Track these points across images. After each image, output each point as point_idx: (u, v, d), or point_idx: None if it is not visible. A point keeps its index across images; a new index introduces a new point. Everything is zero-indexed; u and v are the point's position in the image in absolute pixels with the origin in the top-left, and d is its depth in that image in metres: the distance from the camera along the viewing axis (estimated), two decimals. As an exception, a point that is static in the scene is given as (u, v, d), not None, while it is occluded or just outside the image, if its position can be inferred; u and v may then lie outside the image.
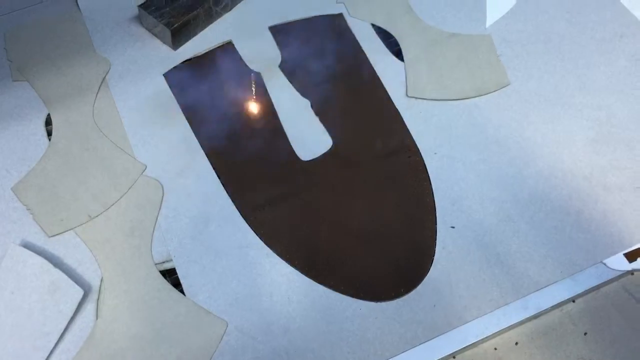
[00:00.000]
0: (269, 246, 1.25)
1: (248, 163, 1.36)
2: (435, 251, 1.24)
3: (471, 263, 1.23)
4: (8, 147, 1.37)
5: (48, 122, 1.41)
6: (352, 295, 1.20)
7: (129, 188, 1.31)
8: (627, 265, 1.23)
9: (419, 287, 1.21)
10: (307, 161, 1.36)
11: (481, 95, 1.45)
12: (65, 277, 1.16)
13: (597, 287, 1.22)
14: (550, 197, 1.31)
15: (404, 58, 1.52)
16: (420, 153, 1.37)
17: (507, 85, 1.47)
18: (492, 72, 1.49)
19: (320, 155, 1.37)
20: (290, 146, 1.38)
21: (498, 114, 1.43)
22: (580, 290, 1.21)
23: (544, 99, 1.45)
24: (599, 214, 1.29)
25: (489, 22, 1.59)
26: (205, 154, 1.37)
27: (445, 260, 1.23)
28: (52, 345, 1.12)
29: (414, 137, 1.40)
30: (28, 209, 1.28)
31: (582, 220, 1.28)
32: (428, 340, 1.15)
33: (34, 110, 1.42)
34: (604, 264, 1.23)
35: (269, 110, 1.44)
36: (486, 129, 1.40)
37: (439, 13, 1.61)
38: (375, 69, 1.50)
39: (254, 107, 1.44)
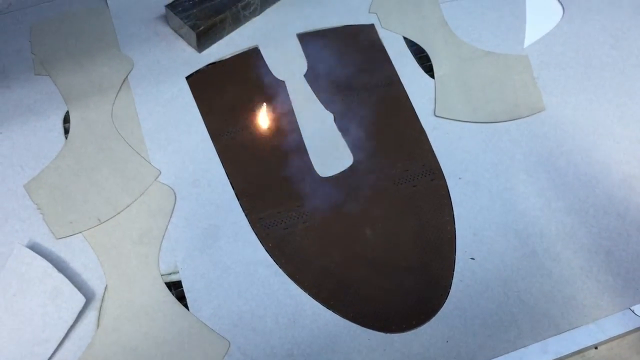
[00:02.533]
0: (278, 265, 1.21)
1: (264, 175, 1.31)
2: (452, 283, 1.18)
3: (489, 299, 1.17)
4: (24, 142, 1.35)
5: (66, 120, 1.38)
6: (361, 324, 1.14)
7: (142, 193, 1.28)
8: (657, 315, 1.15)
9: (432, 320, 1.15)
10: (326, 178, 1.31)
11: (513, 119, 1.38)
12: (68, 282, 1.14)
13: (622, 335, 1.15)
14: (579, 234, 1.24)
15: (435, 75, 1.46)
16: (444, 177, 1.31)
17: (541, 111, 1.40)
18: (527, 95, 1.42)
19: (339, 173, 1.32)
20: (310, 161, 1.33)
21: (529, 140, 1.35)
22: (604, 337, 1.13)
23: (579, 127, 1.37)
24: (630, 256, 1.21)
25: (528, 42, 1.51)
26: (222, 163, 1.33)
27: (462, 294, 1.17)
28: (50, 352, 1.09)
29: (439, 159, 1.33)
30: (38, 209, 1.26)
31: (611, 262, 1.20)
32: (437, 379, 1.10)
33: (53, 106, 1.40)
34: (632, 311, 1.16)
35: (291, 121, 1.39)
36: (515, 156, 1.33)
37: (475, 29, 1.54)
38: (403, 84, 1.44)
39: (275, 117, 1.40)
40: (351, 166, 1.33)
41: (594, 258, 1.21)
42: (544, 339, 1.13)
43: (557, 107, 1.40)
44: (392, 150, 1.35)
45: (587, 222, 1.25)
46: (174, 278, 1.19)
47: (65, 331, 1.11)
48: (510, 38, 1.52)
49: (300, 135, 1.37)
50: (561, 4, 1.56)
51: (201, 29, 1.44)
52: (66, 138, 1.36)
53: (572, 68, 1.47)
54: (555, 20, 1.55)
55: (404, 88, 1.44)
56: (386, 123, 1.39)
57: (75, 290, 1.13)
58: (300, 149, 1.35)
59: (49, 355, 1.09)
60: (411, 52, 1.50)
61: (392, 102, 1.42)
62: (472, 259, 1.21)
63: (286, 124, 1.39)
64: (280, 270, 1.20)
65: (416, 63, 1.48)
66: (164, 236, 1.23)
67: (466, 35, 1.53)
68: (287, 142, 1.36)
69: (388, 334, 1.13)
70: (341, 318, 1.15)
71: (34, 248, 1.20)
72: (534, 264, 1.20)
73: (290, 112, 1.40)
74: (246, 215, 1.26)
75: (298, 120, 1.39)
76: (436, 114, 1.39)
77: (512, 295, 1.17)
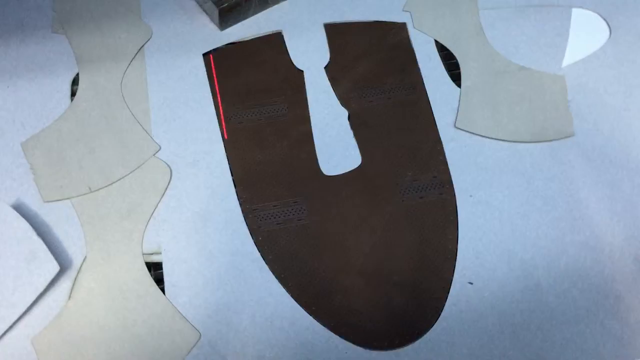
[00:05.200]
0: (265, 261, 1.15)
1: (266, 166, 1.26)
2: (445, 306, 1.11)
3: (481, 329, 1.09)
4: (29, 99, 1.32)
5: (75, 82, 1.35)
6: (341, 335, 1.08)
7: (138, 167, 1.24)
8: (662, 372, 1.06)
9: (417, 342, 1.07)
10: (329, 176, 1.25)
11: (538, 141, 1.29)
12: (45, 248, 1.10)
13: (621, 389, 1.06)
14: (590, 273, 1.14)
15: (462, 84, 1.37)
16: (454, 192, 1.23)
17: (570, 136, 1.30)
18: (557, 118, 1.32)
19: (344, 173, 1.25)
20: (315, 156, 1.27)
21: (552, 166, 1.26)
22: (600, 389, 1.05)
23: (609, 159, 1.27)
24: (642, 305, 1.12)
25: (567, 61, 1.41)
26: (225, 147, 1.27)
27: (454, 319, 1.10)
28: (16, 317, 1.06)
29: (452, 173, 1.25)
30: (31, 169, 1.23)
31: (620, 308, 1.11)
32: (412, 406, 1.03)
33: (64, 67, 1.37)
34: (636, 365, 1.07)
35: (303, 114, 1.33)
36: (534, 181, 1.24)
37: (512, 42, 1.44)
38: (427, 89, 1.36)
39: (287, 107, 1.33)
40: (358, 168, 1.26)
41: (602, 301, 1.12)
42: (534, 381, 1.05)
43: (587, 135, 1.31)
44: (404, 157, 1.27)
45: (601, 261, 1.16)
46: (155, 259, 1.15)
47: (35, 297, 1.07)
48: (549, 55, 1.42)
49: (310, 129, 1.31)
50: (608, 26, 1.46)
51: (225, 5, 1.39)
52: (72, 101, 1.32)
53: (611, 95, 1.36)
54: (600, 43, 1.44)
55: (426, 94, 1.36)
56: (402, 128, 1.32)
57: (51, 257, 1.09)
58: (308, 143, 1.29)
59: (14, 320, 1.06)
60: (440, 57, 1.42)
61: (412, 106, 1.34)
62: (470, 283, 1.13)
63: (298, 116, 1.33)
64: (265, 267, 1.14)
65: (444, 69, 1.40)
66: (152, 214, 1.19)
67: (502, 46, 1.43)
68: (296, 134, 1.30)
69: (367, 350, 1.07)
70: (321, 326, 1.09)
71: (20, 208, 1.17)
72: (535, 298, 1.12)
73: (304, 104, 1.34)
74: (240, 205, 1.21)
75: (310, 113, 1.33)
76: (456, 125, 1.31)
77: (506, 328, 1.09)
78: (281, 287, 1.12)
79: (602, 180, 1.25)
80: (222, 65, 1.39)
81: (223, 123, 1.30)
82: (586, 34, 1.46)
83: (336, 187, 1.24)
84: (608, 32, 1.46)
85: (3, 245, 1.11)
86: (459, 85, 1.38)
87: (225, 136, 1.29)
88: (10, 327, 1.06)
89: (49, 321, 1.07)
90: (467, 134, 1.31)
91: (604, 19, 1.47)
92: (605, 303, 1.11)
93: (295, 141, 1.29)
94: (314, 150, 1.28)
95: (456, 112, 1.33)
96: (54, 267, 1.09)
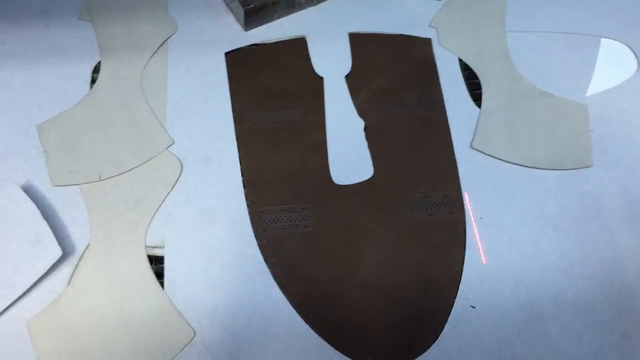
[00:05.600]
0: (267, 264, 1.14)
1: (277, 169, 1.25)
2: (444, 328, 1.09)
3: (480, 355, 1.06)
4: (49, 83, 1.33)
5: (96, 70, 1.35)
6: (336, 347, 1.06)
7: (149, 159, 1.24)
8: (663, 417, 1.03)
9: (413, 362, 1.06)
10: (340, 186, 1.23)
11: (555, 169, 1.27)
12: (50, 233, 1.10)
13: None
14: (597, 308, 1.12)
15: (482, 105, 1.35)
16: (464, 213, 1.21)
17: (588, 167, 1.28)
18: (576, 147, 1.30)
19: (355, 184, 1.24)
20: (327, 164, 1.26)
21: (567, 195, 1.24)
22: None
23: (626, 193, 1.24)
24: (648, 345, 1.09)
25: (591, 91, 1.39)
26: (238, 147, 1.27)
27: (452, 342, 1.07)
28: (15, 298, 1.06)
29: (464, 194, 1.23)
30: (44, 152, 1.23)
31: (625, 347, 1.08)
32: None
33: (87, 54, 1.38)
34: (636, 406, 1.03)
35: (318, 121, 1.32)
36: (547, 208, 1.22)
37: (537, 66, 1.42)
38: (446, 107, 1.35)
39: (303, 113, 1.32)
40: (369, 179, 1.24)
41: (607, 337, 1.09)
42: (530, 413, 1.02)
43: (606, 167, 1.28)
44: (417, 173, 1.26)
45: (609, 297, 1.13)
46: (157, 252, 1.14)
47: (34, 280, 1.07)
48: (573, 83, 1.40)
49: (325, 137, 1.30)
50: (637, 58, 1.43)
51: (251, 6, 1.39)
52: (91, 88, 1.32)
53: (634, 129, 1.34)
54: (627, 75, 1.42)
55: (445, 111, 1.34)
56: (417, 143, 1.30)
57: (55, 242, 1.09)
58: (322, 150, 1.28)
59: (12, 300, 1.06)
60: (463, 75, 1.40)
61: (430, 123, 1.33)
62: (472, 307, 1.11)
63: (314, 122, 1.32)
64: (267, 270, 1.13)
65: (465, 88, 1.38)
66: (159, 207, 1.18)
67: (526, 70, 1.41)
68: (310, 140, 1.29)
69: (362, 365, 1.05)
70: (317, 335, 1.07)
71: (29, 190, 1.17)
72: (538, 328, 1.09)
73: (321, 112, 1.33)
74: (248, 206, 1.20)
75: (327, 121, 1.32)
76: (473, 146, 1.29)
77: (506, 356, 1.06)
78: (280, 292, 1.11)
79: (617, 214, 1.22)
80: (243, 65, 1.39)
81: (238, 123, 1.30)
82: (613, 65, 1.44)
83: (346, 196, 1.22)
84: (636, 65, 1.43)
85: (9, 226, 1.11)
86: (479, 105, 1.36)
87: (237, 136, 1.29)
88: (7, 308, 1.06)
89: (46, 305, 1.07)
90: (483, 155, 1.29)
91: (633, 51, 1.45)
92: (611, 339, 1.09)
93: (308, 147, 1.28)
94: (327, 158, 1.27)
95: (474, 132, 1.31)
96: (57, 252, 1.08)
